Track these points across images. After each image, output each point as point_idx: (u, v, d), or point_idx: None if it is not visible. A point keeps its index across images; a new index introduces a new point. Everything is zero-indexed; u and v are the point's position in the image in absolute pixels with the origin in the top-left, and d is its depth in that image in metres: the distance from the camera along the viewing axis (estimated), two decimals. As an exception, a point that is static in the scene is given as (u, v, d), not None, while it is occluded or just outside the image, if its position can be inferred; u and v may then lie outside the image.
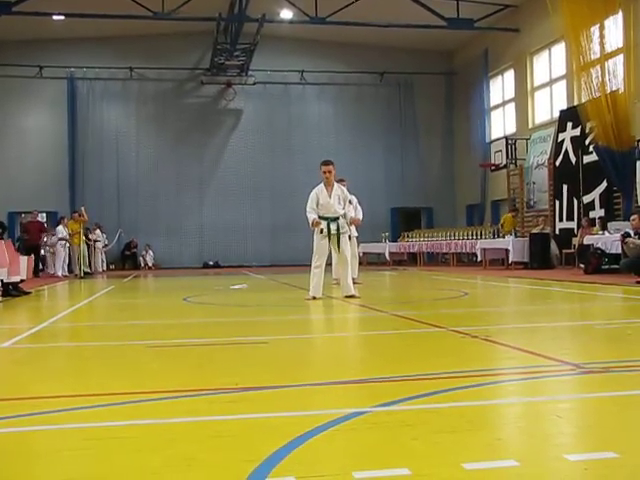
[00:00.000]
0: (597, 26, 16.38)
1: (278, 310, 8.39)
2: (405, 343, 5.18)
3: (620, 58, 16.29)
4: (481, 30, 22.81)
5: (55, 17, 21.44)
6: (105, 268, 23.53)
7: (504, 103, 24.14)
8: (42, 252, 21.45)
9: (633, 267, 11.29)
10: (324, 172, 9.40)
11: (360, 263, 14.31)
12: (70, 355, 5.22)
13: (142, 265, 25.66)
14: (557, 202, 18.87)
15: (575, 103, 17.94)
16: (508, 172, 22.00)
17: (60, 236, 20.33)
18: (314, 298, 9.12)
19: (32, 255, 18.11)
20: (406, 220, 26.92)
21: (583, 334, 5.61)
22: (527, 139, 21.36)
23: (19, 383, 3.90)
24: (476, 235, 19.59)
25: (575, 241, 16.44)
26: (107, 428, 2.72)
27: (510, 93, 23.59)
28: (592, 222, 16.05)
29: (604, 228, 14.95)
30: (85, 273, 19.39)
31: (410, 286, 13.47)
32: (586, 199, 17.52)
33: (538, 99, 21.96)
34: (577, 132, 17.89)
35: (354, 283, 10.07)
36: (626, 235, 11.91)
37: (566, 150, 18.50)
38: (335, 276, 11.15)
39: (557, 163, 19.03)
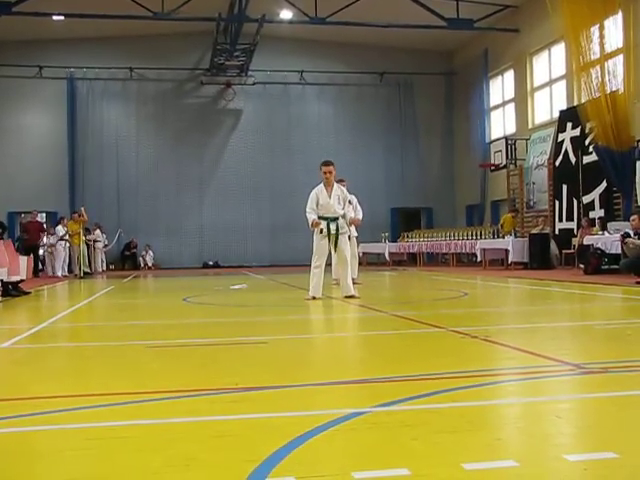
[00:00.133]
0: (597, 26, 16.38)
1: (278, 310, 8.40)
2: (405, 343, 5.18)
3: (620, 58, 16.29)
4: (481, 30, 22.81)
5: (55, 17, 21.43)
6: (105, 268, 23.53)
7: (504, 103, 24.14)
8: (41, 252, 21.45)
9: (633, 267, 11.30)
10: (324, 172, 9.40)
11: (360, 263, 14.31)
12: (70, 355, 5.22)
13: (142, 265, 25.65)
14: (557, 202, 18.87)
15: (575, 103, 17.94)
16: (508, 172, 22.00)
17: (60, 236, 20.33)
18: (314, 298, 9.13)
19: (31, 255, 18.12)
20: (406, 220, 26.92)
21: (583, 334, 5.62)
22: (527, 139, 21.37)
23: (19, 383, 3.90)
24: (476, 235, 19.60)
25: (575, 241, 16.44)
26: (108, 428, 2.72)
27: (510, 93, 23.59)
28: (592, 222, 16.05)
29: (604, 228, 14.96)
30: (85, 273, 19.39)
31: (410, 286, 13.47)
32: (586, 199, 17.52)
33: (538, 99, 21.96)
34: (577, 132, 17.90)
35: (354, 283, 10.07)
36: (626, 235, 11.92)
37: (566, 150, 18.51)
38: (335, 276, 11.15)
39: (557, 163, 19.03)
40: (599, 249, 14.00)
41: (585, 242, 14.80)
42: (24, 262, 12.26)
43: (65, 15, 21.13)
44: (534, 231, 17.67)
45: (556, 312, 7.80)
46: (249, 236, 26.17)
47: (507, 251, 17.12)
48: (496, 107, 24.68)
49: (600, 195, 17.05)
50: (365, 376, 3.79)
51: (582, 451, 2.34)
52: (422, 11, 20.95)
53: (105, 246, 23.80)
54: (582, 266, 14.33)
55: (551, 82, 21.07)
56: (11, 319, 8.22)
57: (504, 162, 21.82)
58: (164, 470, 2.19)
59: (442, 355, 4.49)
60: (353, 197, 11.12)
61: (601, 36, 16.27)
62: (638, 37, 16.00)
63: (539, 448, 2.37)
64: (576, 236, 16.58)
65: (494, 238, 18.65)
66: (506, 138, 22.28)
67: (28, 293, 11.51)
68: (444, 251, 21.52)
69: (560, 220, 18.64)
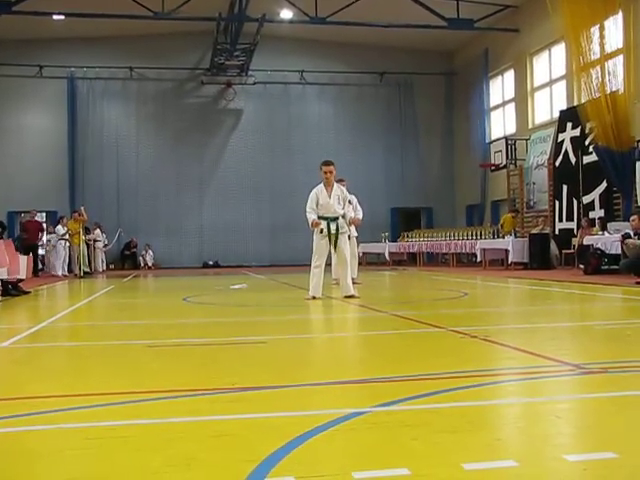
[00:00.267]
0: (597, 26, 16.38)
1: (278, 310, 8.40)
2: (405, 343, 5.18)
3: (620, 59, 16.30)
4: (481, 30, 22.81)
5: (55, 17, 21.43)
6: (105, 268, 23.53)
7: (504, 103, 24.14)
8: (41, 251, 21.45)
9: (633, 268, 11.30)
10: (325, 172, 9.39)
11: (360, 263, 14.31)
12: (70, 355, 5.22)
13: (142, 265, 25.65)
14: (557, 202, 18.87)
15: (575, 103, 17.95)
16: (508, 172, 22.01)
17: (60, 235, 20.33)
18: (314, 298, 9.13)
19: (31, 254, 18.10)
20: (406, 220, 26.92)
21: (583, 335, 5.61)
22: (527, 139, 21.37)
23: (19, 383, 3.90)
24: (476, 235, 19.60)
25: (575, 241, 16.44)
26: (108, 428, 2.72)
27: (510, 93, 23.59)
28: (592, 222, 16.05)
29: (604, 228, 14.95)
30: (85, 273, 19.40)
31: (410, 286, 13.48)
32: (586, 199, 17.53)
33: (538, 99, 21.97)
34: (577, 132, 17.90)
35: (354, 283, 10.07)
36: (626, 236, 11.92)
37: (566, 150, 18.51)
38: (335, 276, 11.15)
39: (557, 163, 19.03)
40: (599, 249, 14.01)
41: (585, 242, 14.80)
42: (24, 261, 12.24)
43: (65, 14, 21.14)
44: (534, 231, 17.67)
45: (556, 312, 7.80)
46: (249, 236, 26.17)
47: (507, 251, 17.12)
48: (496, 107, 24.68)
49: (600, 195, 17.05)
50: (365, 376, 3.79)
51: (582, 451, 2.34)
52: (422, 11, 20.95)
53: (105, 246, 23.80)
54: (582, 266, 14.33)
55: (551, 82, 21.08)
56: (11, 318, 8.22)
57: (504, 162, 21.83)
58: (163, 470, 2.19)
59: (442, 355, 4.49)
60: (353, 197, 11.12)
61: (601, 36, 16.27)
62: (638, 37, 16.00)
63: (539, 448, 2.37)
64: (576, 236, 16.58)
65: (494, 238, 18.65)
66: (506, 138, 22.29)
67: (28, 292, 11.51)
68: (444, 251, 21.52)
69: (560, 220, 18.65)
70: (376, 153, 26.90)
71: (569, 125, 18.30)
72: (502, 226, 19.62)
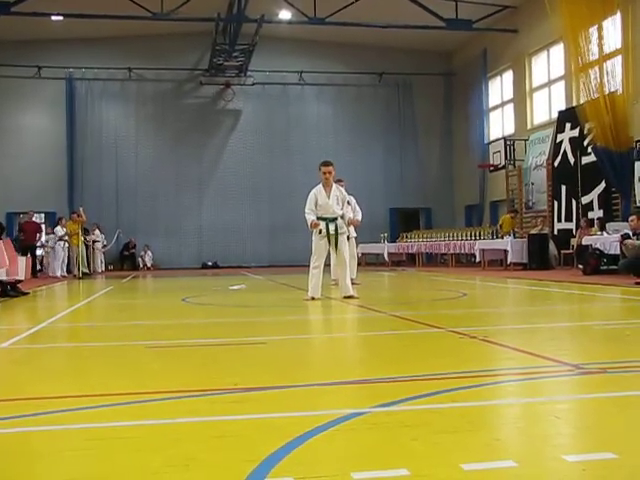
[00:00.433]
0: (595, 27, 16.40)
1: (277, 311, 8.40)
2: (404, 344, 5.19)
3: (618, 59, 16.32)
4: (480, 31, 22.82)
5: (54, 17, 21.41)
6: (104, 269, 23.53)
7: (503, 104, 24.15)
8: (39, 252, 21.43)
9: (632, 268, 11.31)
10: (324, 173, 9.39)
11: (359, 264, 14.31)
12: (70, 355, 5.23)
13: (141, 266, 25.65)
14: (556, 203, 18.88)
15: (574, 104, 17.97)
16: (507, 173, 22.02)
17: (58, 236, 20.32)
18: (313, 299, 9.13)
19: (30, 255, 18.10)
20: (405, 220, 26.93)
21: (582, 335, 5.62)
22: (526, 140, 21.38)
23: (19, 383, 3.90)
24: (475, 236, 19.60)
25: (574, 242, 16.44)
26: (108, 428, 2.73)
27: (509, 94, 23.60)
28: (591, 223, 16.06)
29: (602, 229, 14.97)
30: (83, 274, 19.39)
31: (409, 287, 13.48)
32: (585, 200, 17.54)
33: (537, 100, 21.98)
34: (575, 133, 17.91)
35: (352, 284, 10.06)
36: (625, 236, 11.94)
37: (565, 151, 18.52)
38: (334, 277, 11.15)
39: (556, 164, 19.04)
40: (598, 249, 14.02)
41: (584, 242, 14.81)
42: (23, 262, 12.24)
43: (64, 15, 21.12)
44: (533, 231, 17.68)
45: (555, 312, 7.81)
46: (248, 236, 26.17)
47: (506, 251, 17.12)
48: (495, 108, 24.69)
49: (599, 196, 17.06)
50: (364, 376, 3.79)
51: (581, 451, 2.35)
52: (421, 12, 20.96)
53: (104, 246, 23.80)
54: (581, 266, 14.34)
55: (550, 83, 21.09)
56: (10, 319, 8.22)
57: (503, 162, 21.84)
58: (164, 470, 2.20)
59: (441, 355, 4.49)
60: (351, 198, 11.12)
61: (600, 37, 16.29)
62: (636, 38, 16.02)
63: (538, 448, 2.37)
64: (575, 236, 16.59)
65: (493, 238, 18.66)
66: (505, 138, 22.30)
67: (27, 293, 11.51)
68: (443, 251, 21.51)
69: (559, 220, 18.66)
70: (375, 153, 26.91)
71: (568, 125, 18.32)
72: (501, 226, 19.63)
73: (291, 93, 26.97)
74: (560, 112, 19.13)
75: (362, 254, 21.29)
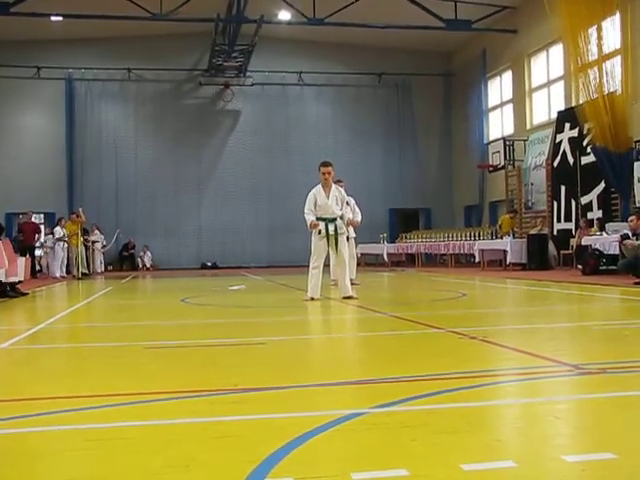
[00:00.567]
0: (595, 27, 16.41)
1: (276, 311, 8.40)
2: (403, 344, 5.19)
3: (618, 59, 16.33)
4: (479, 31, 22.83)
5: (53, 18, 21.40)
6: (103, 269, 23.52)
7: (502, 104, 24.16)
8: (37, 253, 21.42)
9: (631, 268, 11.32)
10: (323, 173, 9.39)
11: (358, 264, 14.31)
12: (69, 356, 5.23)
13: (140, 266, 25.64)
14: (555, 203, 18.89)
15: (573, 104, 17.98)
16: (506, 173, 22.03)
17: (58, 237, 20.32)
18: (312, 299, 9.13)
19: (28, 256, 18.09)
20: (404, 221, 26.94)
21: (581, 335, 5.62)
22: (525, 140, 21.39)
23: (18, 384, 3.90)
24: (474, 236, 19.61)
25: (573, 242, 16.45)
26: (108, 429, 2.73)
27: (508, 94, 23.61)
28: (590, 223, 16.07)
29: (602, 229, 14.97)
30: (83, 274, 19.38)
31: (408, 287, 13.48)
32: (584, 200, 17.55)
33: (536, 100, 21.98)
34: (575, 133, 17.92)
35: (352, 284, 10.07)
36: (624, 236, 11.94)
37: (564, 151, 18.53)
38: (333, 277, 11.15)
39: (555, 164, 19.05)
40: (597, 250, 14.03)
41: (583, 243, 14.81)
42: (22, 263, 12.23)
43: (63, 16, 21.11)
44: (532, 232, 17.69)
45: (554, 313, 7.81)
46: (247, 237, 26.18)
47: (505, 252, 17.13)
48: (494, 108, 24.70)
49: (598, 196, 17.07)
50: (364, 377, 3.79)
51: (580, 452, 2.35)
52: (420, 12, 20.97)
53: (103, 247, 23.79)
54: (580, 267, 14.34)
55: (549, 83, 21.10)
56: (9, 320, 8.21)
57: (502, 163, 21.84)
58: (164, 471, 2.20)
59: (441, 356, 4.49)
60: (351, 198, 11.13)
61: (599, 37, 16.30)
62: (636, 38, 16.03)
63: (537, 449, 2.37)
64: (574, 237, 16.60)
65: (492, 239, 18.66)
66: (504, 139, 22.30)
67: (26, 294, 11.50)
68: (442, 252, 21.51)
69: (558, 221, 18.67)
70: (374, 154, 26.91)
71: (567, 126, 18.33)
72: (500, 227, 19.64)
73: (290, 94, 26.98)
74: (559, 112, 19.14)
75: (361, 254, 21.30)
